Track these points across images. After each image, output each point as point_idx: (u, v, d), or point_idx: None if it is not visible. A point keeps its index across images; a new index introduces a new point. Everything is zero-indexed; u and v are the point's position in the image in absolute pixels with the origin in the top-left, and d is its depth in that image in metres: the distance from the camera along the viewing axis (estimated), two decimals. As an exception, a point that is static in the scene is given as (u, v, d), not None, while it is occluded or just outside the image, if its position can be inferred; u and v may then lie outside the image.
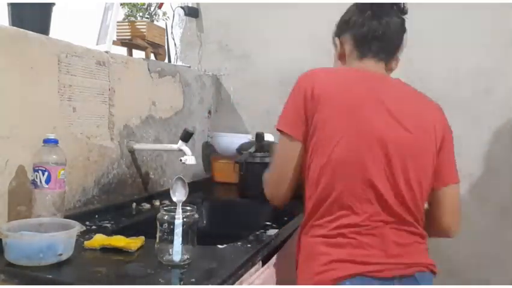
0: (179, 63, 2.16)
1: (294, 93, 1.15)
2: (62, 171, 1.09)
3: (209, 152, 2.10)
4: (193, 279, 0.87)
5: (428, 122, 1.14)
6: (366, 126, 1.05)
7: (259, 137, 1.73)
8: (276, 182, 1.15)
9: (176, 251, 0.93)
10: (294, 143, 1.10)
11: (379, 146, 1.04)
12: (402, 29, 1.21)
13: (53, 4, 1.28)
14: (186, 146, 1.43)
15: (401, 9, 1.20)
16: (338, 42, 1.25)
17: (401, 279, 1.01)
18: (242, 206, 1.70)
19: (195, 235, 0.97)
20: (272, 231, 1.23)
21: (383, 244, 1.02)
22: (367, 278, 0.99)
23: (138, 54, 1.77)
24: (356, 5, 1.22)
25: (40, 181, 1.06)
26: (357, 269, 0.99)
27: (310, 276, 1.03)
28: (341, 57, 1.24)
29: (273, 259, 1.21)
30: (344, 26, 1.23)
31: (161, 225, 0.95)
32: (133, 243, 1.02)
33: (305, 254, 1.08)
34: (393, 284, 1.01)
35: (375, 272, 1.00)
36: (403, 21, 1.21)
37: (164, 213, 0.96)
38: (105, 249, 1.00)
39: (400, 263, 1.02)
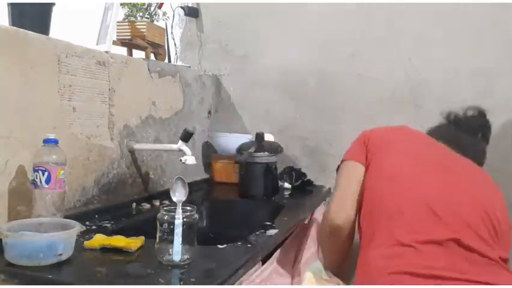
0: (179, 63, 2.16)
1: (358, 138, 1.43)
2: (62, 171, 1.09)
3: (209, 152, 2.10)
4: (193, 279, 0.87)
5: None
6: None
7: (259, 137, 1.73)
8: (338, 204, 1.25)
9: (176, 251, 0.92)
10: (356, 165, 1.31)
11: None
12: None
13: (53, 4, 1.28)
14: (186, 146, 1.43)
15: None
16: None
17: None
18: (242, 206, 1.70)
19: (194, 235, 0.96)
20: (272, 231, 1.23)
21: None
22: None
23: (138, 54, 1.77)
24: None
25: (40, 181, 1.06)
26: None
27: None
28: None
29: (273, 258, 1.21)
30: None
31: (161, 225, 0.95)
32: (133, 243, 1.02)
33: None
34: None
35: None
36: None
37: (164, 213, 0.96)
38: (105, 249, 1.00)
39: None
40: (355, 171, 1.24)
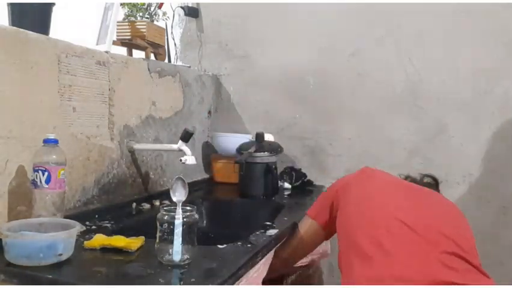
0: (179, 63, 2.16)
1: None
2: (62, 171, 1.09)
3: (209, 152, 2.10)
4: (193, 279, 0.87)
5: None
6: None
7: (260, 137, 1.73)
8: None
9: (176, 251, 0.92)
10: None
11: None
12: None
13: (53, 4, 1.28)
14: (186, 146, 1.43)
15: None
16: None
17: None
18: (242, 206, 1.70)
19: (194, 235, 0.96)
20: (272, 231, 1.23)
21: None
22: None
23: (138, 54, 1.77)
24: None
25: (40, 181, 1.06)
26: None
27: None
28: None
29: (269, 255, 1.21)
30: None
31: (161, 225, 0.95)
32: (133, 243, 1.02)
33: None
34: None
35: None
36: None
37: (164, 213, 0.96)
38: (105, 249, 1.00)
39: None
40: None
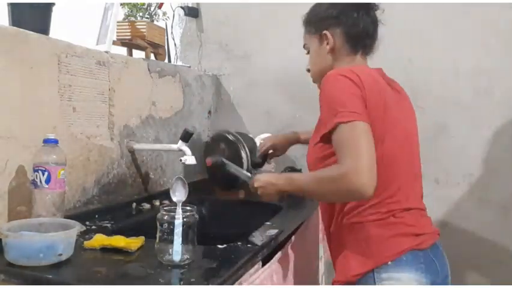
0: (179, 63, 2.16)
1: (344, 84, 1.09)
2: (62, 171, 1.09)
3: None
4: (193, 279, 0.87)
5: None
6: (402, 125, 1.22)
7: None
8: (369, 169, 1.01)
9: (176, 251, 0.92)
10: (368, 127, 1.06)
11: (414, 143, 1.29)
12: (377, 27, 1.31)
13: (53, 4, 1.28)
14: (186, 146, 1.43)
15: (378, 8, 1.30)
16: (329, 35, 1.24)
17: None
18: (242, 206, 1.70)
19: (194, 235, 0.96)
20: (272, 231, 1.23)
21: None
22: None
23: (138, 54, 1.77)
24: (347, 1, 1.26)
25: (40, 181, 1.06)
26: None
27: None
28: (333, 51, 1.25)
29: (274, 259, 1.21)
30: (333, 21, 1.24)
31: (161, 225, 0.95)
32: (133, 243, 1.02)
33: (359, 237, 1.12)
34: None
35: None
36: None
37: (164, 213, 0.96)
38: (105, 249, 1.00)
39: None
40: (370, 135, 1.06)
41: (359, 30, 1.25)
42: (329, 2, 1.28)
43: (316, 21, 1.28)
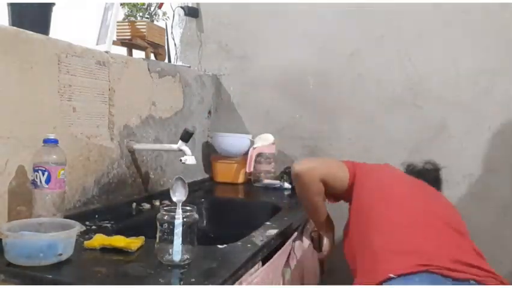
0: (179, 63, 2.16)
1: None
2: (62, 171, 1.09)
3: (209, 152, 2.10)
4: (193, 279, 0.87)
5: None
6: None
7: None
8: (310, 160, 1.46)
9: (176, 251, 0.92)
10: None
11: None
12: None
13: (53, 4, 1.28)
14: (186, 146, 1.43)
15: None
16: None
17: None
18: (242, 206, 1.70)
19: (194, 235, 0.96)
20: (272, 231, 1.23)
21: None
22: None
23: (138, 54, 1.77)
24: None
25: (40, 181, 1.06)
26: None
27: None
28: None
29: (273, 259, 1.21)
30: None
31: (161, 225, 0.95)
32: (133, 243, 1.02)
33: None
34: None
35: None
36: None
37: (164, 213, 0.96)
38: (105, 249, 1.00)
39: None
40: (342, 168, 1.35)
41: None
42: None
43: None
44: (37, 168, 1.06)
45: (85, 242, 1.02)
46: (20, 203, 1.10)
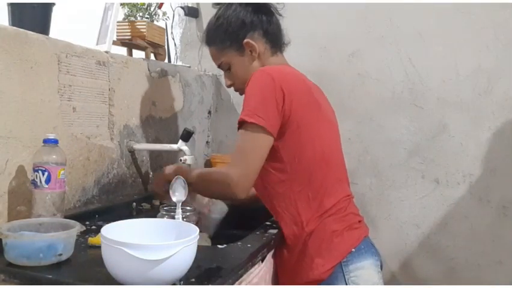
0: (179, 63, 2.16)
1: (267, 88, 1.13)
2: (62, 171, 1.09)
3: (209, 152, 2.10)
4: (193, 279, 0.87)
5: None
6: (328, 117, 1.28)
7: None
8: (248, 176, 1.12)
9: (176, 251, 0.92)
10: (265, 135, 1.12)
11: (337, 134, 1.31)
12: None
13: (53, 4, 1.28)
14: (186, 146, 1.43)
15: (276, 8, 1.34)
16: (252, 42, 1.25)
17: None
18: (242, 206, 1.69)
19: (194, 235, 0.96)
20: (272, 231, 1.22)
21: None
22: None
23: (138, 54, 1.77)
24: (247, 5, 1.27)
25: (40, 181, 1.06)
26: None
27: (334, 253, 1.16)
28: (258, 56, 1.27)
29: (269, 256, 1.21)
30: (248, 27, 1.25)
31: (161, 225, 0.95)
32: (133, 243, 1.01)
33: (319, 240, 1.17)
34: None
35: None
36: None
37: (164, 213, 0.96)
38: (105, 249, 1.00)
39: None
40: (266, 144, 1.13)
41: (274, 27, 1.29)
42: (228, 13, 1.27)
43: (229, 34, 1.26)
44: (37, 168, 1.06)
45: (90, 239, 1.02)
46: (20, 203, 1.10)
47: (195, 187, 1.18)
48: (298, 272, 1.19)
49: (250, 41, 1.25)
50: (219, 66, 1.31)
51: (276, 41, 1.30)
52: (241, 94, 1.31)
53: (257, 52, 1.25)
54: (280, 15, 1.33)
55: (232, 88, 1.35)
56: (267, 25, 1.27)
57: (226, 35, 1.26)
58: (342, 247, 1.16)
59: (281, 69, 1.20)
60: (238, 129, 1.15)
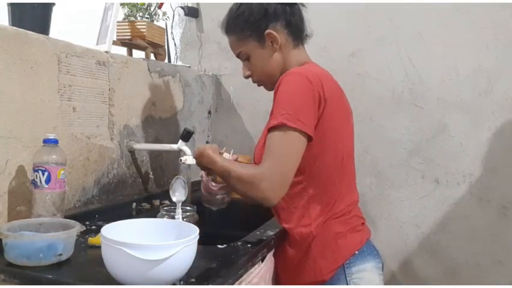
0: (179, 63, 2.16)
1: (306, 91, 1.09)
2: (62, 171, 1.09)
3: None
4: (193, 279, 0.87)
5: None
6: (351, 122, 1.30)
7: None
8: (285, 184, 1.07)
9: (176, 251, 0.92)
10: (304, 141, 1.09)
11: (353, 138, 1.31)
12: None
13: (53, 4, 1.28)
14: (186, 146, 1.43)
15: None
16: (274, 33, 1.19)
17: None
18: (242, 206, 1.69)
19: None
20: (272, 231, 1.22)
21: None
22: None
23: (138, 54, 1.77)
24: None
25: (40, 181, 1.06)
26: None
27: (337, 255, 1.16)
28: (280, 48, 1.22)
29: (273, 259, 1.21)
30: (271, 18, 1.20)
31: (161, 225, 0.95)
32: (133, 243, 1.01)
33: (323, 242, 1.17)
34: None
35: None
36: None
37: (164, 213, 0.96)
38: (105, 249, 1.00)
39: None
40: (303, 150, 1.09)
41: (297, 18, 1.24)
42: (251, 2, 1.22)
43: (250, 23, 1.20)
44: (37, 168, 1.06)
45: (90, 239, 1.02)
46: (20, 203, 1.10)
47: (220, 176, 1.13)
48: (300, 272, 1.18)
49: (273, 32, 1.18)
50: (238, 56, 1.27)
51: (298, 33, 1.24)
52: (259, 85, 1.29)
53: (278, 44, 1.20)
54: (303, 5, 1.28)
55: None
56: (290, 16, 1.21)
57: (247, 24, 1.20)
58: (346, 249, 1.16)
59: (315, 71, 1.16)
60: (271, 130, 1.08)
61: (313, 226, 1.17)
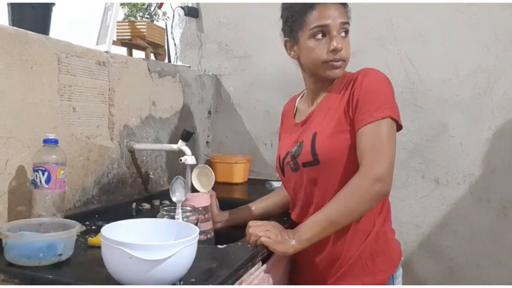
0: (179, 63, 2.16)
1: (390, 86, 1.23)
2: (62, 171, 1.09)
3: (209, 152, 2.10)
4: (193, 279, 0.87)
5: None
6: None
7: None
8: (391, 171, 1.11)
9: (176, 251, 0.92)
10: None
11: None
12: None
13: (53, 4, 1.28)
14: (186, 146, 1.43)
15: None
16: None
17: None
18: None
19: (194, 235, 0.96)
20: (272, 231, 1.22)
21: None
22: None
23: (138, 54, 1.77)
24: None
25: (40, 181, 1.06)
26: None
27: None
28: None
29: (273, 259, 1.21)
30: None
31: (161, 225, 0.95)
32: (133, 243, 1.01)
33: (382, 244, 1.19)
34: None
35: None
36: None
37: (164, 213, 0.96)
38: (105, 249, 1.00)
39: None
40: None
41: None
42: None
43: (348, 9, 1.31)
44: (37, 168, 1.06)
45: (90, 239, 1.02)
46: (20, 203, 1.10)
47: (334, 219, 1.06)
48: (351, 271, 1.15)
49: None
50: (342, 25, 1.27)
51: None
52: (336, 66, 1.29)
53: None
54: None
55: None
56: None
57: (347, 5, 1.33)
58: (397, 255, 1.23)
59: None
60: (371, 122, 1.15)
61: (376, 222, 1.17)
